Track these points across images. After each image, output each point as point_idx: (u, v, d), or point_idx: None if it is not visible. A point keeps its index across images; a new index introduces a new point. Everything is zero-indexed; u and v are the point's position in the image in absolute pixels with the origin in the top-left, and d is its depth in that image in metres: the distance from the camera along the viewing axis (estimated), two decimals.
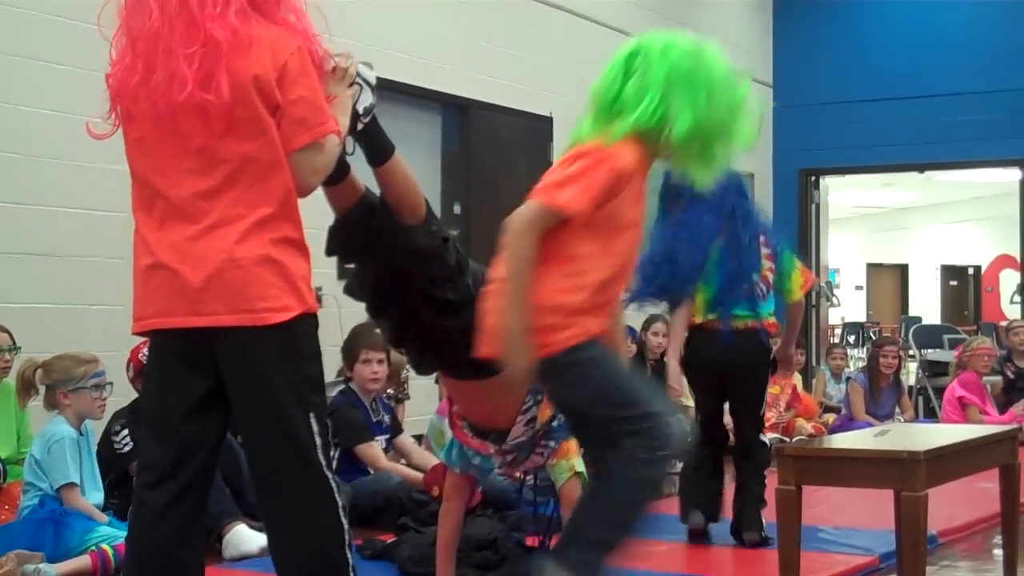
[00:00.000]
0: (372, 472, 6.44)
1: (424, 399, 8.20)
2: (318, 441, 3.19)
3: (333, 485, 3.22)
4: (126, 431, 5.66)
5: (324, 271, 8.83)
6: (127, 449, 5.64)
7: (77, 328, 6.67)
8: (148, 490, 3.20)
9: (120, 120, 3.35)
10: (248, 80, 3.06)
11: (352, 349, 6.67)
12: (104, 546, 5.00)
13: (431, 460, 6.74)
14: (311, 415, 3.17)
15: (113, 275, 6.93)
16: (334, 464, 6.37)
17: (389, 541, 5.43)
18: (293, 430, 3.13)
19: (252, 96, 3.07)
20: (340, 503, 3.22)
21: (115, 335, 6.86)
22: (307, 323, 3.23)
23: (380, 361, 6.68)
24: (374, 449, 6.46)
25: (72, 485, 5.23)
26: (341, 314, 8.10)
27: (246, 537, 5.39)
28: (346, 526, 3.24)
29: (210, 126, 3.09)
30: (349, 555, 3.25)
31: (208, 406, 3.21)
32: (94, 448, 5.57)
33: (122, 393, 6.01)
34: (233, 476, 5.60)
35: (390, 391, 7.34)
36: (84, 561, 4.94)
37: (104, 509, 5.42)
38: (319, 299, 8.78)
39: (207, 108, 3.07)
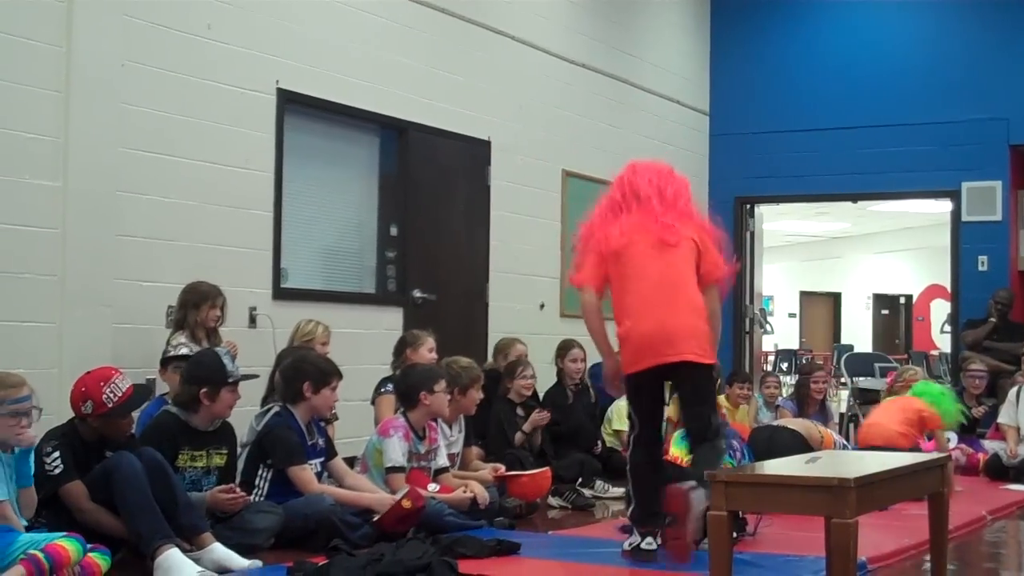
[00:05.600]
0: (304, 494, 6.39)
1: (356, 421, 8.17)
2: None
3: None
4: (57, 453, 5.53)
5: (260, 291, 8.86)
6: (57, 472, 5.53)
7: (7, 346, 6.59)
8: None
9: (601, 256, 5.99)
10: (689, 239, 5.95)
11: (327, 375, 6.67)
12: (33, 552, 4.91)
13: (365, 483, 6.72)
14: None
15: (45, 292, 6.86)
16: (266, 486, 6.36)
17: (320, 563, 5.39)
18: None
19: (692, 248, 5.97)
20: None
21: (46, 353, 6.80)
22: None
23: (335, 388, 6.73)
24: (307, 472, 6.42)
25: (3, 503, 5.11)
26: (275, 335, 8.08)
27: (177, 563, 5.31)
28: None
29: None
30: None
31: None
32: (30, 469, 5.42)
33: (55, 412, 5.92)
34: (166, 498, 5.54)
35: None
36: (17, 572, 4.85)
37: (32, 528, 5.31)
38: (253, 319, 8.84)
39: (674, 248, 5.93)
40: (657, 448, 6.14)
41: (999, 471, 9.73)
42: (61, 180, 6.97)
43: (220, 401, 6.14)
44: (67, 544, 5.00)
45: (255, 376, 6.71)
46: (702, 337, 5.80)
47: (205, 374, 6.17)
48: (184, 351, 6.97)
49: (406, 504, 6.25)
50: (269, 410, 6.63)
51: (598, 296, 6.02)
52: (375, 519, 6.24)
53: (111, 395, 5.66)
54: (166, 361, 7.05)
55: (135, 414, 6.07)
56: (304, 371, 6.67)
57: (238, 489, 6.11)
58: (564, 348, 9.73)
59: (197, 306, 7.22)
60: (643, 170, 6.12)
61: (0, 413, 5.15)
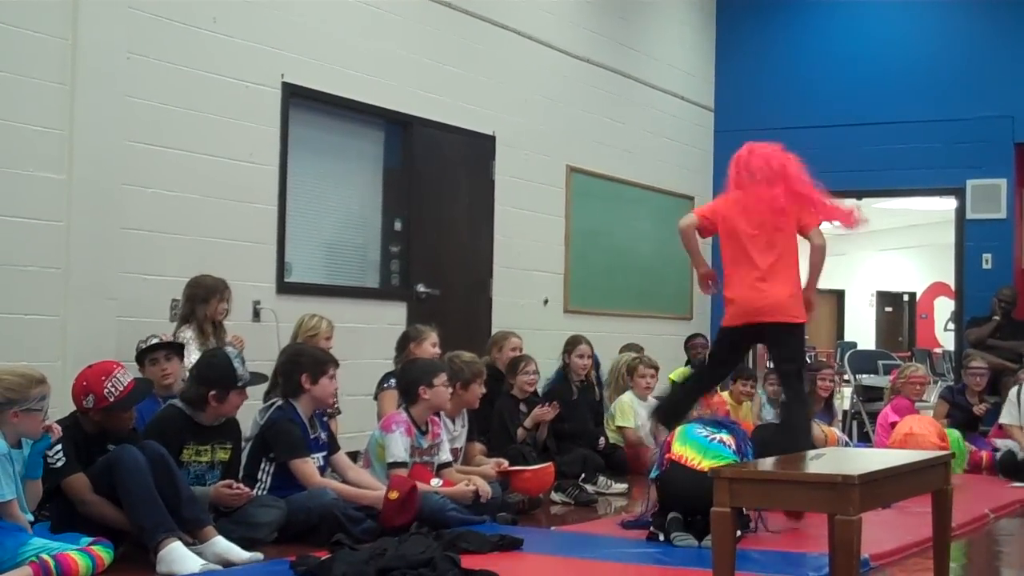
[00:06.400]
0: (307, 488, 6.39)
1: (358, 416, 8.17)
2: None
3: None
4: (59, 446, 5.53)
5: (264, 285, 8.85)
6: (60, 464, 5.52)
7: (11, 339, 6.58)
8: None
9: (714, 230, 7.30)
10: (793, 217, 7.11)
11: (323, 364, 6.67)
12: (44, 556, 4.91)
13: (367, 477, 6.71)
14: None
15: (49, 285, 6.86)
16: (268, 480, 6.37)
17: (323, 558, 5.39)
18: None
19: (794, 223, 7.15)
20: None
21: (49, 346, 6.79)
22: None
23: (333, 377, 6.73)
24: (309, 465, 6.42)
25: (9, 502, 5.12)
26: (279, 329, 8.08)
27: (180, 556, 5.31)
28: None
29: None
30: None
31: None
32: (40, 462, 5.43)
33: (59, 405, 5.92)
34: (169, 492, 5.54)
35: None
36: (25, 572, 4.86)
37: (36, 522, 5.31)
38: (257, 313, 8.83)
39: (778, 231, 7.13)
40: (709, 379, 7.93)
41: (1012, 468, 9.72)
42: (65, 173, 6.96)
43: (228, 403, 6.16)
44: (78, 558, 5.00)
45: (264, 379, 6.70)
46: (790, 307, 7.07)
47: (215, 376, 6.16)
48: (154, 341, 6.92)
49: (392, 496, 6.24)
50: (272, 404, 6.62)
51: (700, 229, 7.29)
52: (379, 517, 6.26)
53: (112, 389, 5.66)
54: (141, 357, 6.96)
55: None
56: (300, 363, 6.68)
57: (240, 485, 6.12)
58: (572, 343, 9.72)
59: (205, 300, 7.22)
60: (759, 150, 7.28)
61: (37, 409, 5.18)
